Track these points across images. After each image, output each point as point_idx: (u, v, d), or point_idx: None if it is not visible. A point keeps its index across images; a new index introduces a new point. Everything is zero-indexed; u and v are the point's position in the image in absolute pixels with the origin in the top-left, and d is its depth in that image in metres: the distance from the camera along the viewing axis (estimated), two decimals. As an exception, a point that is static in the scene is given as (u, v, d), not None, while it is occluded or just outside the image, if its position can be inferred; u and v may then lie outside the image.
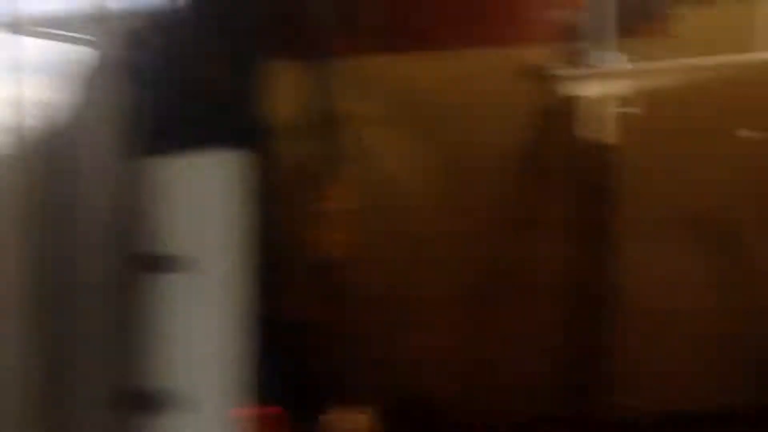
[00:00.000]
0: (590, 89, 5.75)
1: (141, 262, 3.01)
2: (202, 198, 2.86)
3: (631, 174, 5.72)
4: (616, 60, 6.03)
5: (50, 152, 3.26)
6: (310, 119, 5.05)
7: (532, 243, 5.80)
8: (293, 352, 3.52)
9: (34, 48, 3.68)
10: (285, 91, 5.14)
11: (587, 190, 5.70)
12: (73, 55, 3.50)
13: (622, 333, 5.79)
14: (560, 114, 5.83)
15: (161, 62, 3.46)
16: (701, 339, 5.69)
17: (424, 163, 5.83)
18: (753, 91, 5.64)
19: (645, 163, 5.69)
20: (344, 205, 5.22)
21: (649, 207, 5.70)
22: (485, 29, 5.76)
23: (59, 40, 3.49)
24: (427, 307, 5.80)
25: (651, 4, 6.18)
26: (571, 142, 5.79)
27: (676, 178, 5.63)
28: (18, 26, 3.77)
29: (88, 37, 3.44)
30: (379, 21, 5.14)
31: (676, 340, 5.74)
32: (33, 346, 3.15)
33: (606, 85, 5.77)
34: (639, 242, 5.67)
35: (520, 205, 5.78)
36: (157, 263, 2.98)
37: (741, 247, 5.64)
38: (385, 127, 5.78)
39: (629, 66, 5.83)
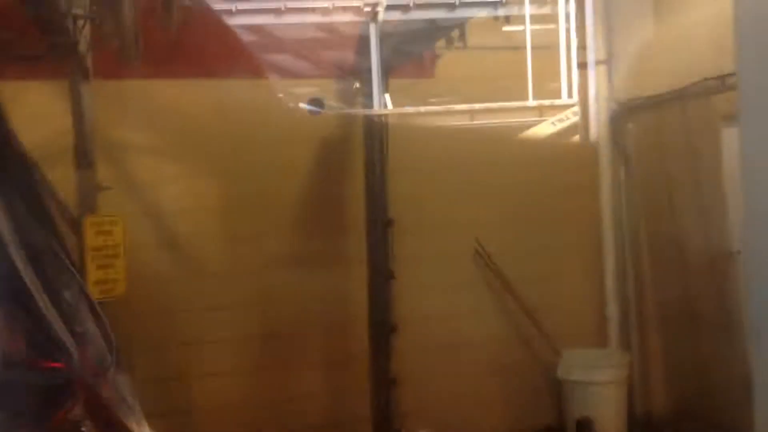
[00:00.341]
0: (366, 125, 5.88)
1: None
2: None
3: (403, 208, 5.88)
4: (385, 99, 6.25)
5: None
6: (73, 143, 4.50)
7: (317, 277, 5.69)
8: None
9: None
10: (38, 111, 4.58)
11: (367, 221, 5.75)
12: None
13: (406, 365, 5.86)
14: (338, 146, 5.88)
15: None
16: (481, 368, 5.94)
17: (209, 195, 5.52)
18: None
19: (412, 195, 5.89)
20: (110, 241, 4.68)
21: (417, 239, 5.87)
22: (259, 61, 5.65)
23: None
24: (213, 350, 5.40)
25: (417, 48, 6.53)
26: (354, 173, 5.84)
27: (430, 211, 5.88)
28: None
29: None
30: (149, 46, 4.78)
31: (456, 370, 5.93)
32: None
33: (378, 121, 5.93)
34: (413, 276, 5.82)
35: (299, 238, 5.67)
36: None
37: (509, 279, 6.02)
38: (155, 155, 5.37)
39: (408, 109, 6.08)
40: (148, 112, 5.31)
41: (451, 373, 5.86)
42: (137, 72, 5.00)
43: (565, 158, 5.95)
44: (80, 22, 4.74)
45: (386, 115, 5.96)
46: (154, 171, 5.28)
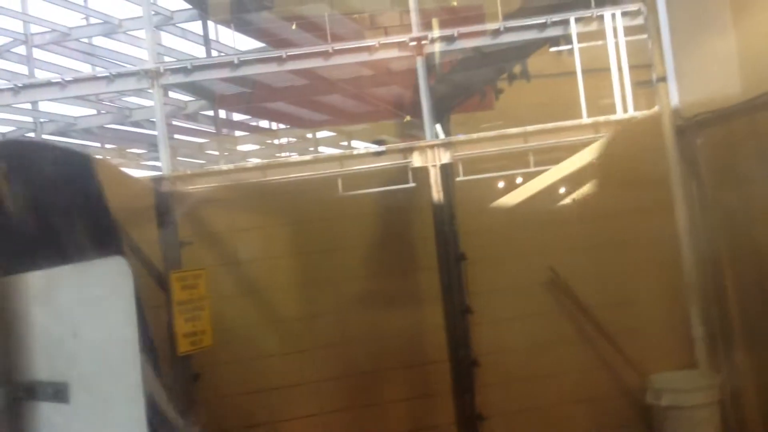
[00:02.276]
0: (425, 160, 5.92)
1: (18, 391, 2.53)
2: (83, 312, 2.46)
3: (474, 241, 5.87)
4: (447, 132, 6.31)
5: None
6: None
7: (394, 316, 5.70)
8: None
9: None
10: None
11: (441, 258, 5.75)
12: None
13: (491, 399, 5.80)
14: (402, 184, 5.93)
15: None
16: (567, 398, 5.83)
17: (282, 242, 5.61)
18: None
19: (484, 228, 5.88)
20: (196, 294, 4.81)
21: (496, 273, 5.84)
22: (321, 106, 5.78)
23: None
24: (298, 393, 5.45)
25: (475, 82, 6.60)
26: (417, 211, 5.87)
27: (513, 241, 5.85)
28: None
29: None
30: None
31: (541, 402, 5.84)
32: None
33: (439, 155, 5.97)
34: (489, 309, 5.78)
35: (374, 280, 5.70)
36: (35, 391, 2.51)
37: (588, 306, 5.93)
38: (228, 207, 5.50)
39: (459, 137, 6.12)
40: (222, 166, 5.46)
41: (536, 405, 5.77)
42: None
43: (634, 177, 5.87)
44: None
45: (452, 151, 6.00)
46: (230, 223, 5.40)
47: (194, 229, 5.18)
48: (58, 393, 2.47)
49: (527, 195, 6.37)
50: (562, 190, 6.05)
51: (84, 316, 2.44)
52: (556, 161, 6.12)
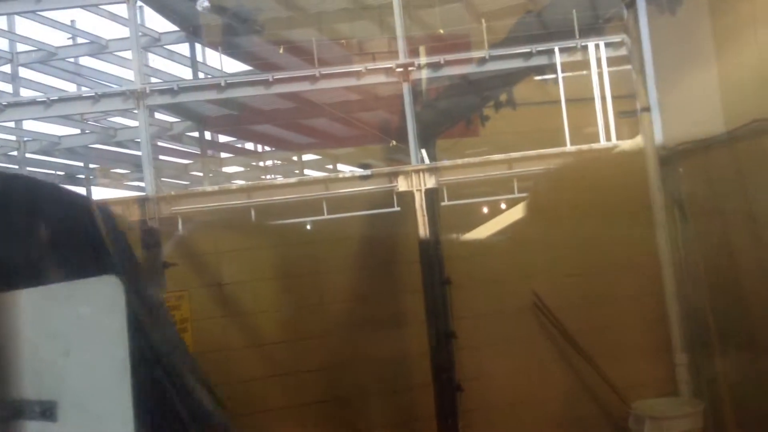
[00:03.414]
0: (410, 184, 5.95)
1: (10, 409, 2.51)
2: (73, 330, 2.45)
3: (458, 264, 5.89)
4: (429, 157, 6.36)
5: None
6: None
7: (377, 340, 5.69)
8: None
9: None
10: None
11: (425, 282, 5.76)
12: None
13: (474, 424, 5.78)
14: (386, 208, 5.94)
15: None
16: (549, 424, 5.82)
17: (266, 265, 5.59)
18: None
19: (469, 253, 5.90)
20: (178, 315, 4.78)
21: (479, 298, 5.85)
22: (307, 129, 5.82)
23: None
24: (280, 415, 5.40)
25: (461, 109, 6.68)
26: (400, 236, 5.89)
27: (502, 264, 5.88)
28: None
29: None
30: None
31: (524, 427, 5.82)
32: None
33: (424, 180, 6.01)
34: (474, 333, 5.79)
35: (359, 303, 5.70)
36: (26, 409, 2.49)
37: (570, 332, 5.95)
38: (212, 228, 5.48)
39: (444, 162, 6.16)
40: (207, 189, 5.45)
41: (519, 430, 5.75)
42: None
43: (617, 205, 5.93)
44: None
45: (437, 176, 6.04)
46: (214, 245, 5.38)
47: (178, 251, 5.16)
48: (46, 412, 2.44)
49: (511, 221, 6.41)
50: (545, 217, 6.10)
51: (75, 335, 2.42)
52: (540, 188, 6.17)
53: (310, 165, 8.20)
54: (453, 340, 5.73)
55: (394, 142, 6.69)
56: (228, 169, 9.55)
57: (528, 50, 6.36)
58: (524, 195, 6.10)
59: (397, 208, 5.96)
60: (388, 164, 6.46)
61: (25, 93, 15.41)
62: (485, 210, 6.52)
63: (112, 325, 2.33)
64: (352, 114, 6.80)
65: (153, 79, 9.52)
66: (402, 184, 6.08)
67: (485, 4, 7.05)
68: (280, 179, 7.12)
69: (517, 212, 6.30)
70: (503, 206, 6.39)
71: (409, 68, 6.34)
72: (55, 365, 2.49)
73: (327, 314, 5.56)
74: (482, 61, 6.45)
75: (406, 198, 6.02)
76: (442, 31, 6.90)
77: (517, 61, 6.46)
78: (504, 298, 5.88)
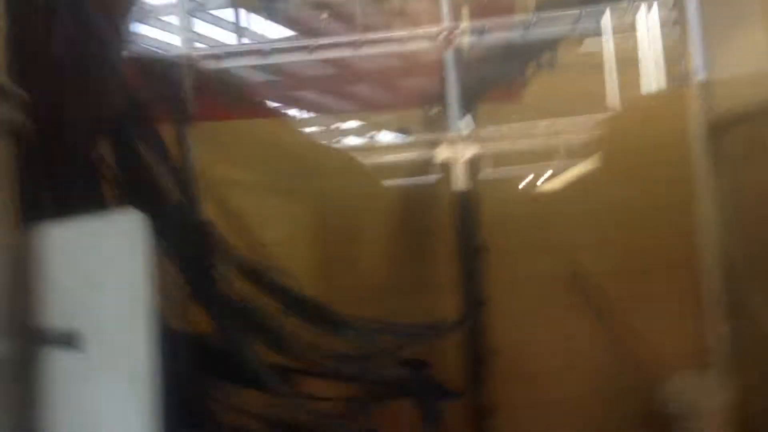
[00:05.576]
0: (451, 152, 5.90)
1: (35, 338, 2.61)
2: (98, 263, 2.51)
3: (497, 233, 5.83)
4: (471, 124, 6.28)
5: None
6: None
7: (410, 304, 5.69)
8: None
9: None
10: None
11: (460, 250, 5.73)
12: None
13: (504, 393, 5.77)
14: (431, 174, 5.91)
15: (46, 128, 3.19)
16: (582, 397, 5.77)
17: (295, 224, 5.64)
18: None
19: (509, 222, 5.84)
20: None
21: (517, 265, 5.79)
22: (349, 95, 5.80)
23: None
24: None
25: (503, 73, 6.55)
26: (439, 203, 5.85)
27: (541, 236, 5.80)
28: None
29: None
30: (240, 86, 5.01)
31: (557, 399, 5.78)
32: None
33: (465, 148, 5.95)
34: (513, 301, 5.74)
35: (394, 267, 5.70)
36: (52, 338, 2.58)
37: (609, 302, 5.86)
38: (252, 189, 5.54)
39: (486, 130, 6.08)
40: (245, 150, 5.50)
41: (549, 400, 5.72)
42: (236, 113, 5.23)
43: (659, 174, 5.78)
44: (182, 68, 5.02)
45: (478, 144, 5.97)
46: (251, 205, 5.44)
47: (219, 212, 5.24)
48: (72, 341, 2.52)
49: (552, 189, 6.31)
50: (587, 185, 5.99)
51: (100, 268, 2.48)
52: (584, 155, 6.06)
53: (351, 132, 8.19)
54: (486, 307, 5.69)
55: (435, 109, 6.63)
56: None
57: (575, 12, 6.18)
58: (568, 162, 5.99)
59: (437, 175, 5.92)
60: (429, 131, 6.40)
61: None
62: (527, 178, 6.43)
63: (135, 260, 2.39)
64: (393, 79, 6.74)
65: (198, 45, 9.59)
66: (442, 152, 6.03)
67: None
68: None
69: (560, 180, 6.19)
70: (546, 174, 6.29)
71: (452, 33, 6.24)
72: (81, 297, 2.57)
73: (361, 277, 5.58)
74: (528, 24, 6.30)
75: (446, 165, 5.98)
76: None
77: (564, 23, 6.30)
78: (542, 266, 5.81)
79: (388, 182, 5.80)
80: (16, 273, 2.70)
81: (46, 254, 2.73)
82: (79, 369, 2.56)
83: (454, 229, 5.81)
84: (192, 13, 9.23)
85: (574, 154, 6.09)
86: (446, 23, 6.22)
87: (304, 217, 5.64)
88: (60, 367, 2.62)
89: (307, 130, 5.73)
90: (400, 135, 5.84)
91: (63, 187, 3.08)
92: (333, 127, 7.64)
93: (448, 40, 6.28)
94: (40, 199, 2.99)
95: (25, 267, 2.71)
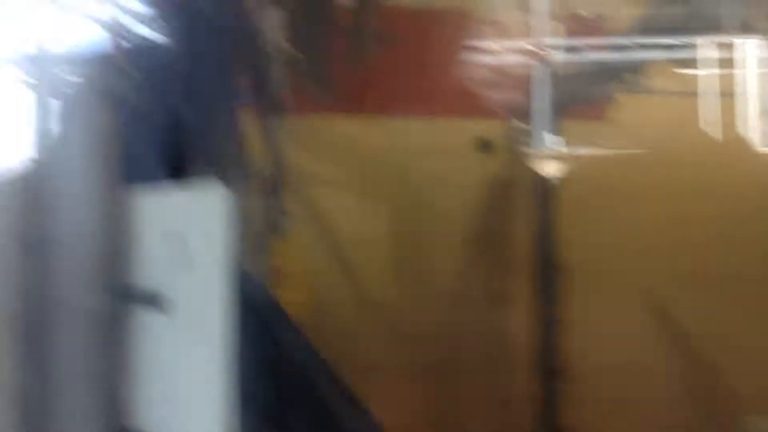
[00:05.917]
0: (536, 167, 5.82)
1: (123, 296, 2.70)
2: (185, 230, 2.57)
3: (576, 249, 5.72)
4: (557, 141, 6.19)
5: (31, 183, 2.99)
6: (263, 173, 4.77)
7: (483, 315, 5.62)
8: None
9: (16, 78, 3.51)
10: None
11: (537, 262, 5.64)
12: (54, 86, 3.28)
13: (577, 418, 5.62)
14: (508, 187, 5.85)
15: (143, 94, 3.30)
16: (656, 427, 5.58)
17: (375, 226, 5.64)
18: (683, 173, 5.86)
19: (588, 239, 5.72)
20: (295, 266, 4.88)
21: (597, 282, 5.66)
22: (438, 100, 5.78)
23: (39, 73, 3.29)
24: (383, 376, 5.43)
25: (591, 91, 6.45)
26: (519, 216, 5.78)
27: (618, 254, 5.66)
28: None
29: (70, 68, 3.25)
30: (335, 83, 5.04)
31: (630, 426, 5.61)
32: (14, 380, 2.77)
33: (549, 164, 5.86)
34: (590, 317, 5.61)
35: (472, 275, 5.64)
36: (138, 297, 2.66)
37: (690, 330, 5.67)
38: (335, 187, 5.58)
39: (571, 148, 5.98)
40: (331, 147, 5.55)
41: (620, 426, 5.53)
42: (325, 108, 5.28)
43: (750, 214, 5.57)
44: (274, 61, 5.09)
45: (561, 163, 5.88)
46: (333, 202, 5.47)
47: (296, 203, 5.27)
48: (156, 301, 2.57)
49: (639, 214, 6.16)
50: (677, 212, 5.81)
51: (186, 236, 2.53)
52: (676, 181, 5.90)
53: (434, 137, 8.13)
54: (559, 326, 5.57)
55: (521, 123, 6.56)
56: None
57: (675, 42, 6.03)
58: (658, 188, 5.83)
59: (518, 188, 5.86)
60: (513, 145, 6.33)
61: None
62: (612, 200, 6.29)
63: (219, 232, 2.42)
64: (479, 89, 6.70)
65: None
66: (527, 165, 5.97)
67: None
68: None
69: (648, 205, 6.03)
70: (633, 197, 6.14)
71: (544, 48, 6.19)
72: (164, 263, 2.62)
73: (433, 286, 5.54)
74: (623, 47, 6.18)
75: (528, 179, 5.90)
76: (583, 13, 6.68)
77: (661, 51, 6.16)
78: (620, 291, 5.66)
79: (470, 192, 5.75)
80: (111, 234, 2.77)
81: (139, 219, 2.80)
82: (163, 331, 2.61)
83: (532, 244, 5.72)
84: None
85: (667, 180, 5.93)
86: (538, 38, 6.16)
87: (383, 220, 5.64)
88: (144, 327, 2.67)
89: (393, 131, 5.72)
90: (483, 146, 5.79)
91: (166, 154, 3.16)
92: (416, 130, 7.61)
93: (539, 55, 6.23)
94: (144, 165, 3.08)
95: (119, 229, 2.79)
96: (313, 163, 5.63)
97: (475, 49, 6.09)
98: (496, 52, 6.16)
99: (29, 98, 3.36)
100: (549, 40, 6.53)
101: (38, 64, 3.47)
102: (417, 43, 5.45)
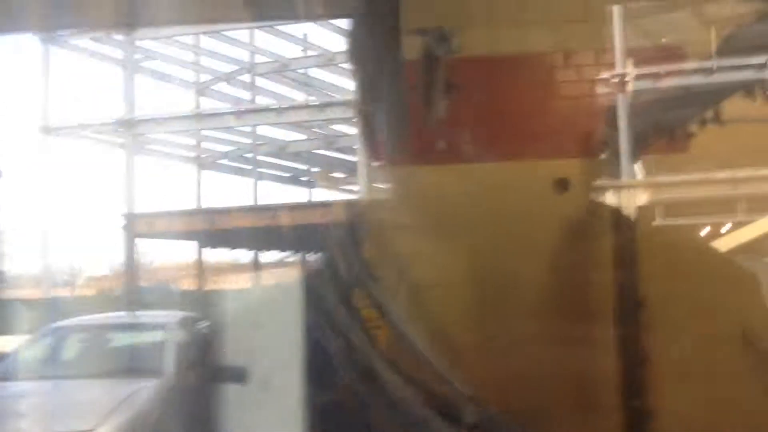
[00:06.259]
0: (617, 200, 5.79)
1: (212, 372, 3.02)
2: (264, 317, 2.83)
3: (659, 287, 5.63)
4: (637, 173, 6.13)
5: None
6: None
7: (563, 358, 5.60)
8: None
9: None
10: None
11: (622, 300, 5.59)
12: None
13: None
14: (593, 224, 5.83)
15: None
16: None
17: (454, 270, 5.75)
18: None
19: (676, 276, 5.62)
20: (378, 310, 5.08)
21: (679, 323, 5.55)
22: (518, 143, 5.86)
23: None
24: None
25: (668, 123, 6.39)
26: (603, 252, 5.74)
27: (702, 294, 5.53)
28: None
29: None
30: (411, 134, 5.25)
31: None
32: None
33: (631, 196, 5.82)
34: (668, 361, 5.50)
35: (553, 316, 5.64)
36: (226, 373, 2.95)
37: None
38: (414, 233, 5.74)
39: (653, 178, 5.92)
40: (409, 195, 5.74)
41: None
42: (402, 159, 5.49)
43: None
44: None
45: (635, 192, 5.84)
46: (412, 247, 5.63)
47: (379, 251, 5.48)
48: (238, 376, 2.82)
49: (727, 245, 6.01)
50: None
51: (263, 312, 2.78)
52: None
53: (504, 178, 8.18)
54: (646, 366, 5.49)
55: (603, 155, 6.53)
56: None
57: (762, 62, 5.90)
58: (746, 219, 5.67)
59: (596, 226, 5.83)
60: (594, 178, 6.31)
61: (260, 100, 17.06)
62: (698, 232, 6.17)
63: (291, 308, 2.64)
64: (558, 125, 6.72)
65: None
66: (607, 199, 5.94)
67: (716, 12, 6.66)
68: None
69: (736, 236, 5.88)
70: (721, 229, 6.00)
71: (625, 79, 6.17)
72: (247, 337, 2.88)
73: (514, 325, 5.58)
74: (708, 71, 6.09)
75: (607, 216, 5.87)
76: (663, 40, 6.62)
77: (748, 72, 6.02)
78: (710, 326, 5.53)
79: (550, 232, 5.78)
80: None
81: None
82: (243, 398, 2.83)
83: (614, 281, 5.67)
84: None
85: (757, 208, 5.76)
86: (619, 68, 6.15)
87: (461, 264, 5.75)
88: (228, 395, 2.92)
89: (469, 176, 5.84)
90: (561, 185, 5.81)
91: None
92: (492, 173, 7.70)
93: (621, 85, 6.21)
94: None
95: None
96: (392, 211, 5.83)
97: (553, 88, 6.15)
98: (574, 89, 6.20)
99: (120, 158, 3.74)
100: (629, 71, 6.50)
101: (130, 127, 3.85)
102: (490, 89, 5.58)
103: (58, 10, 3.14)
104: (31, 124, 15.33)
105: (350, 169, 17.66)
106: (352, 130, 15.41)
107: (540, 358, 5.56)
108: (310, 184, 21.00)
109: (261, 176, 18.49)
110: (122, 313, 11.42)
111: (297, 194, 21.14)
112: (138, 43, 15.05)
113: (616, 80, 6.26)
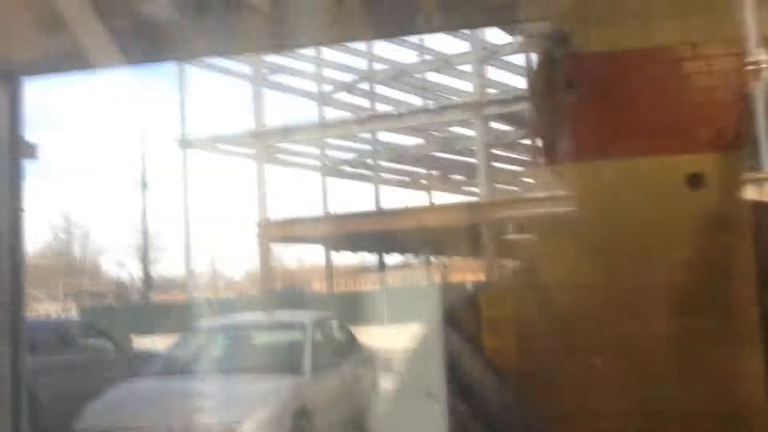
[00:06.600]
0: (757, 194, 5.52)
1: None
2: None
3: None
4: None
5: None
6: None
7: (701, 358, 5.40)
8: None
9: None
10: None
11: (758, 297, 5.32)
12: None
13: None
14: (733, 222, 5.58)
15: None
16: None
17: (583, 271, 5.68)
18: None
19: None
20: (500, 312, 5.10)
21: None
22: (648, 139, 5.74)
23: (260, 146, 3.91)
24: (590, 423, 5.43)
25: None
26: (743, 248, 5.50)
27: None
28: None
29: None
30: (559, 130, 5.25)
31: None
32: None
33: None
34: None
35: (698, 315, 5.45)
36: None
37: None
38: (541, 233, 5.72)
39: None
40: (536, 195, 5.73)
41: None
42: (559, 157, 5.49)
43: None
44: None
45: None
46: (539, 248, 5.62)
47: (503, 250, 5.50)
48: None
49: None
50: None
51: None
52: None
53: (637, 177, 8.01)
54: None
55: (737, 150, 6.28)
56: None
57: None
58: None
59: (734, 223, 5.60)
60: (727, 175, 6.07)
61: (380, 107, 17.44)
62: None
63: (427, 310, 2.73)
64: (695, 120, 6.55)
65: (489, 90, 10.14)
66: (749, 193, 5.69)
67: None
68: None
69: None
70: None
71: (761, 66, 5.92)
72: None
73: (647, 326, 5.44)
74: None
75: (746, 211, 5.62)
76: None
77: None
78: None
79: (683, 232, 5.59)
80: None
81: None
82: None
83: (755, 277, 5.43)
84: (485, 61, 9.78)
85: None
86: (752, 56, 5.90)
87: (590, 265, 5.67)
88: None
89: (596, 174, 5.76)
90: (694, 181, 5.62)
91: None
92: (621, 171, 7.58)
93: (755, 73, 5.96)
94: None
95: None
96: (519, 212, 5.84)
97: (683, 80, 5.97)
98: (705, 80, 5.99)
99: (252, 167, 3.95)
100: (764, 58, 6.20)
101: (259, 138, 4.07)
102: (615, 85, 5.50)
103: (205, 38, 3.37)
104: (170, 139, 16.40)
105: (469, 171, 17.67)
106: (470, 133, 15.46)
107: (675, 357, 5.40)
108: (429, 187, 21.13)
109: (382, 181, 18.84)
110: (261, 314, 11.91)
111: (417, 198, 21.43)
112: (264, 58, 15.75)
113: (750, 69, 5.99)
